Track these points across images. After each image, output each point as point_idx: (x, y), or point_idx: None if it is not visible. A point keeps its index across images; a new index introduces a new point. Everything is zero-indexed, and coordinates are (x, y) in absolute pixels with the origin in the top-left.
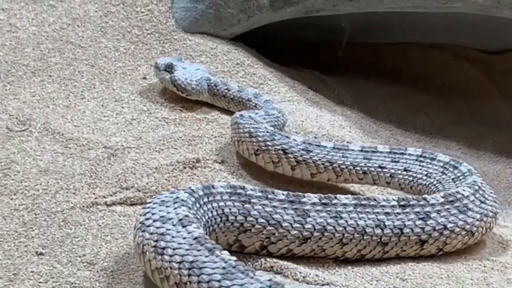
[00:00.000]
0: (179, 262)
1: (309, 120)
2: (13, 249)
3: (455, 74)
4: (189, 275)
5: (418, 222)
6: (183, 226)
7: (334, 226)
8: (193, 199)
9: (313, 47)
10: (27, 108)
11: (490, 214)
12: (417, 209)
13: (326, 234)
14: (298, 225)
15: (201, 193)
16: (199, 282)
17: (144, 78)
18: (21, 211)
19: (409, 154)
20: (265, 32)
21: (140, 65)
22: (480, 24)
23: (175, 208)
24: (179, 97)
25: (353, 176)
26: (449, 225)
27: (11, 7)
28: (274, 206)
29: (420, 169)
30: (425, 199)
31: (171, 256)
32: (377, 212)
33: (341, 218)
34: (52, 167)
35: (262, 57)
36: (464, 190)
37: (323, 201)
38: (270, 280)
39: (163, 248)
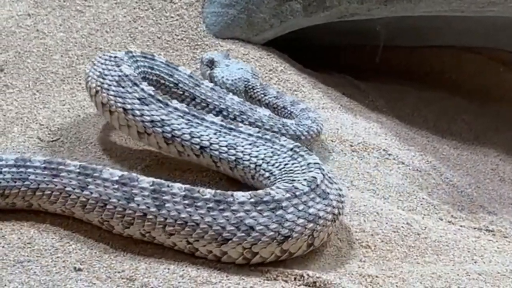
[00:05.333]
0: None
1: (344, 128)
2: (50, 265)
3: (491, 78)
4: None
5: None
6: None
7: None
8: None
9: (344, 51)
10: (57, 117)
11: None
12: None
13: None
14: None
15: None
16: None
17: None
18: (57, 226)
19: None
20: (293, 36)
21: None
22: None
23: None
24: None
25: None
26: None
27: (37, 13)
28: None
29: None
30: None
31: None
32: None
33: None
34: None
35: (295, 63)
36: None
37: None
38: None
39: None
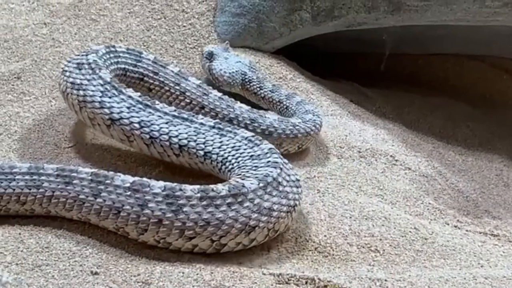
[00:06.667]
0: None
1: (352, 134)
2: (68, 269)
3: (494, 86)
4: None
5: None
6: None
7: None
8: None
9: (350, 59)
10: (73, 124)
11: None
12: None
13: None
14: None
15: None
16: None
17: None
18: (73, 231)
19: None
20: (302, 43)
21: None
22: None
23: None
24: None
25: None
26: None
27: (53, 22)
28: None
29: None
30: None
31: None
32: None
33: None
34: None
35: (304, 71)
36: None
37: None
38: None
39: None
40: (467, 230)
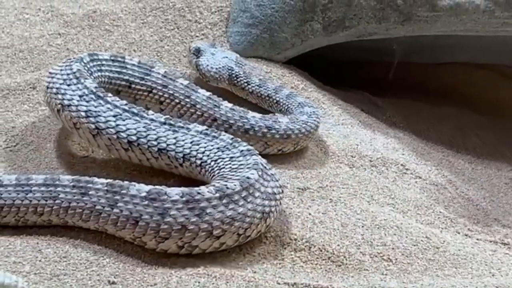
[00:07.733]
0: None
1: (363, 144)
2: (86, 278)
3: (503, 94)
4: None
5: None
6: None
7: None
8: None
9: (359, 68)
10: None
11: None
12: None
13: None
14: None
15: None
16: None
17: None
18: (90, 240)
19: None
20: (310, 53)
21: None
22: None
23: None
24: None
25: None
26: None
27: (67, 32)
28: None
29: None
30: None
31: None
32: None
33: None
34: None
35: (315, 80)
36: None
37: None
38: None
39: None
40: (477, 239)
